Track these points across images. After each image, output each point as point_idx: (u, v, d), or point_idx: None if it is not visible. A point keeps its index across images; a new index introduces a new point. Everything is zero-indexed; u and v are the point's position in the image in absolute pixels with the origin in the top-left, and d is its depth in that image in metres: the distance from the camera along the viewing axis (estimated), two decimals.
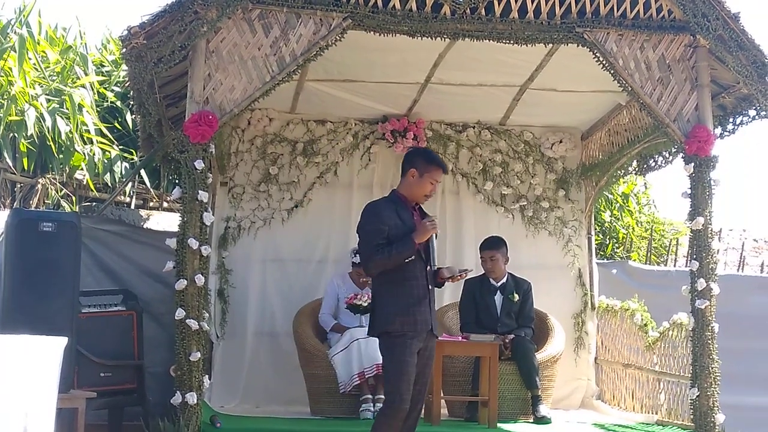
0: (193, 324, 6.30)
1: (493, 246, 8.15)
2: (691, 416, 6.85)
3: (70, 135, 9.22)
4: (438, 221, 5.86)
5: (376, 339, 7.49)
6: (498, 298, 8.10)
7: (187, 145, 6.39)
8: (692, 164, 6.87)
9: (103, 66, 10.91)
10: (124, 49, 6.41)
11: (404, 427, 5.68)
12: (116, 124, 10.29)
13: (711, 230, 6.86)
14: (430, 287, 5.75)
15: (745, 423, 7.30)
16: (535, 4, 6.73)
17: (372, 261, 5.69)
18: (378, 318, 5.76)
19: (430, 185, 5.81)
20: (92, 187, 9.68)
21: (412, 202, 5.82)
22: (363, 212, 5.82)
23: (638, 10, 6.87)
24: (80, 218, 6.90)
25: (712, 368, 6.74)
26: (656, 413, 7.74)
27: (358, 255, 8.12)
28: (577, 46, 6.91)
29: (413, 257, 5.66)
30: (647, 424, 7.62)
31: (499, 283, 8.12)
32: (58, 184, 9.51)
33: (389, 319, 5.66)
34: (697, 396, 6.75)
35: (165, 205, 10.17)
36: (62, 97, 9.37)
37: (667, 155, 8.43)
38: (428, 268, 5.75)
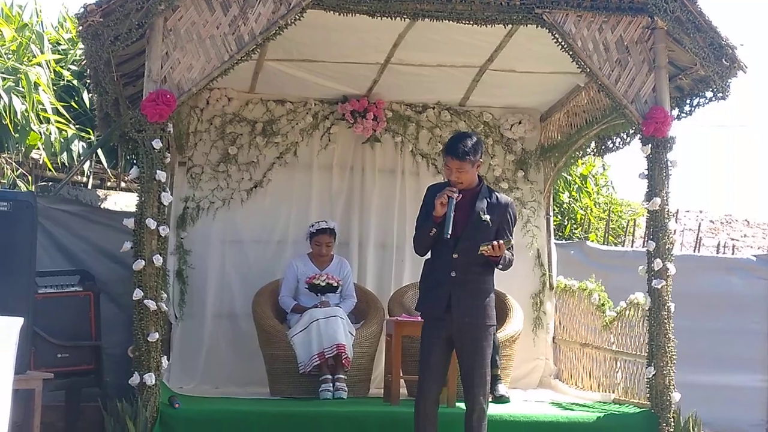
0: (151, 304, 6.26)
1: None
2: (648, 395, 6.91)
3: (26, 114, 9.09)
4: (456, 192, 5.95)
5: (337, 319, 7.61)
6: None
7: (145, 124, 6.34)
8: (649, 145, 6.91)
9: (60, 44, 10.76)
10: (81, 27, 6.33)
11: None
12: (73, 103, 10.17)
13: (668, 211, 6.91)
14: (453, 274, 5.93)
15: (701, 401, 7.36)
16: None
17: (414, 239, 6.11)
18: None
19: (446, 170, 6.08)
20: (49, 166, 9.57)
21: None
22: None
23: None
24: (36, 198, 6.81)
25: (668, 347, 6.80)
26: (613, 392, 7.80)
27: (313, 225, 8.18)
28: (536, 27, 6.91)
29: (435, 230, 5.91)
30: (604, 402, 7.68)
31: None
32: (13, 163, 9.39)
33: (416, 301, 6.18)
34: (653, 375, 6.81)
35: (122, 185, 10.08)
36: (18, 75, 9.21)
37: (625, 136, 8.49)
38: (454, 256, 5.94)
